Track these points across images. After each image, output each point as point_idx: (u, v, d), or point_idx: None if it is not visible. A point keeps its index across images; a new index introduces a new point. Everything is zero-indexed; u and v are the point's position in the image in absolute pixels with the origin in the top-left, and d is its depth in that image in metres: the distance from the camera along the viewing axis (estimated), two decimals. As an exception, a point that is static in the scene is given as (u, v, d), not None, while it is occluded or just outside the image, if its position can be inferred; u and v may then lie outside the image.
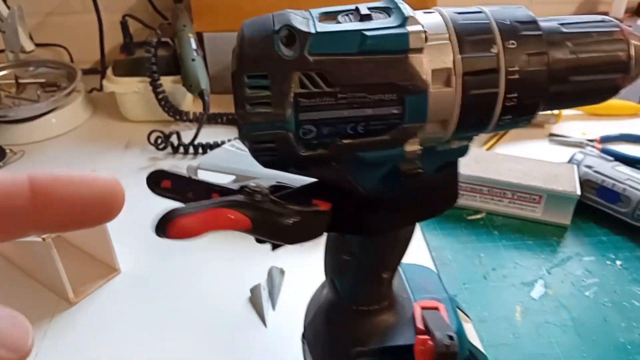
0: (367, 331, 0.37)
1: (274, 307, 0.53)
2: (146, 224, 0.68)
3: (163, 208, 0.26)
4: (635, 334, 0.51)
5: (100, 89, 0.84)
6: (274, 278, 0.55)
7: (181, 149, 0.75)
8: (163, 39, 0.80)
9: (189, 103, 0.84)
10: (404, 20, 0.26)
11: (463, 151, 0.31)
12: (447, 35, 0.26)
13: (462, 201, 0.65)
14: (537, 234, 0.62)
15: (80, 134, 0.82)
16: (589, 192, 0.64)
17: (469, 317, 0.45)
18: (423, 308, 0.38)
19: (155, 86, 0.77)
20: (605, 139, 0.80)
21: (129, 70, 0.80)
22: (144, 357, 0.48)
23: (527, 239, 0.62)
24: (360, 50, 0.25)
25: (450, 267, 0.57)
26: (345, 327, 0.38)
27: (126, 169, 0.72)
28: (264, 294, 0.54)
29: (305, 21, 0.26)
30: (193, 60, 0.78)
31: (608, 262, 0.59)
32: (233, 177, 0.60)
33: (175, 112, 0.79)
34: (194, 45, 0.80)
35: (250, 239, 0.56)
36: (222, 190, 0.31)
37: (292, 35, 0.25)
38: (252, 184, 0.30)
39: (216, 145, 0.73)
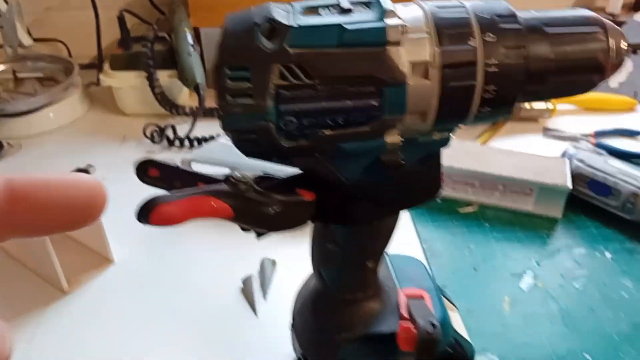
0: (352, 318, 0.38)
1: (265, 297, 0.54)
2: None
3: (146, 195, 0.27)
4: (623, 324, 0.52)
5: (98, 83, 0.85)
6: (266, 269, 0.56)
7: (177, 143, 0.75)
8: (160, 34, 0.81)
9: (185, 97, 0.85)
10: (383, 14, 0.26)
11: (444, 142, 0.32)
12: (426, 29, 0.27)
13: (454, 194, 0.66)
14: (528, 226, 0.63)
15: (77, 128, 0.83)
16: (581, 186, 0.65)
17: (455, 306, 0.46)
18: (408, 296, 0.38)
19: (151, 80, 0.78)
20: (600, 134, 0.81)
21: (125, 65, 0.81)
22: (137, 346, 0.49)
23: (518, 231, 0.62)
24: (339, 43, 0.26)
25: (440, 258, 0.58)
26: (331, 314, 0.38)
27: (122, 162, 0.72)
28: (256, 285, 0.54)
29: (286, 14, 0.27)
30: (189, 54, 0.79)
31: (598, 254, 0.59)
32: (227, 170, 0.61)
33: (171, 106, 0.80)
34: (190, 40, 0.80)
35: (241, 231, 0.57)
36: (208, 180, 0.31)
37: (273, 28, 0.26)
38: (237, 174, 0.31)
39: (211, 138, 0.74)
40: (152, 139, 0.76)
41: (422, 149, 0.31)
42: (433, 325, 0.35)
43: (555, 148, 0.75)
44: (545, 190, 0.62)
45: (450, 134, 0.32)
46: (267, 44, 0.26)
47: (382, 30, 0.26)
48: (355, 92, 0.27)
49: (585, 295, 0.55)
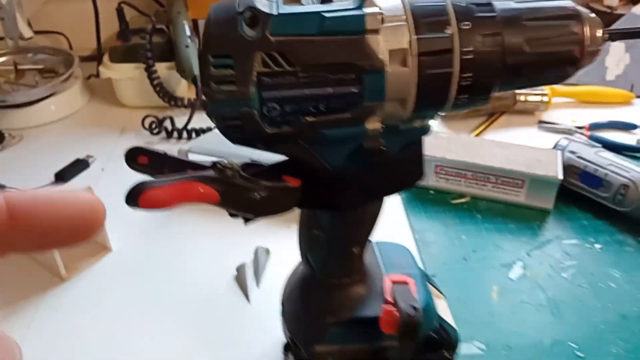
0: (338, 303, 0.39)
1: (258, 285, 0.55)
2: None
3: (135, 180, 0.28)
4: (610, 314, 0.52)
5: (97, 75, 0.86)
6: (260, 257, 0.57)
7: (175, 134, 0.76)
8: (158, 26, 0.82)
9: (183, 89, 0.86)
10: (362, 3, 0.27)
11: (425, 130, 0.33)
12: (403, 17, 0.27)
13: (446, 185, 0.67)
14: (520, 218, 0.64)
15: (77, 119, 0.84)
16: (573, 178, 0.66)
17: (442, 293, 0.47)
18: (393, 282, 0.39)
19: (150, 72, 0.79)
20: (594, 126, 0.81)
21: (124, 57, 0.82)
22: (133, 332, 0.50)
23: (510, 223, 0.63)
24: (319, 31, 0.27)
25: (431, 248, 0.59)
26: (318, 299, 0.39)
27: (121, 153, 0.72)
28: (249, 273, 0.55)
29: (268, 3, 0.28)
30: (187, 46, 0.80)
31: (587, 246, 0.60)
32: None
33: (169, 98, 0.80)
34: (188, 32, 0.81)
35: (238, 220, 0.58)
36: (196, 166, 0.32)
37: (255, 16, 0.27)
38: (224, 160, 0.32)
39: (208, 130, 0.75)
40: (150, 130, 0.77)
41: (403, 137, 0.32)
42: (415, 308, 0.36)
43: (549, 140, 0.76)
44: (536, 182, 0.63)
45: (431, 122, 0.32)
46: (249, 32, 0.27)
47: (361, 19, 0.27)
48: (336, 79, 0.27)
49: (574, 285, 0.55)
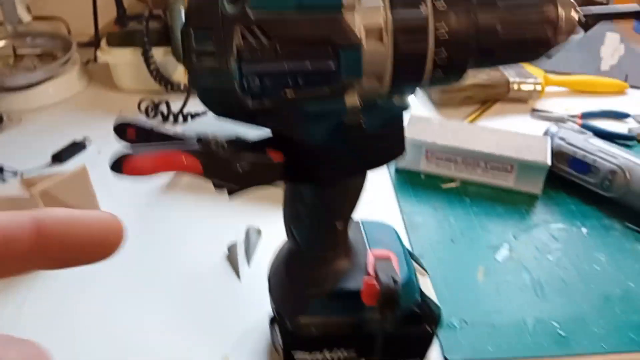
0: (321, 276, 0.40)
1: (249, 263, 0.56)
2: (132, 184, 0.71)
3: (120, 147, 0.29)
4: (593, 295, 0.53)
5: (95, 60, 0.87)
6: (251, 237, 0.58)
7: (171, 118, 0.77)
8: (155, 12, 0.82)
9: (179, 74, 0.86)
10: (339, -21, 0.28)
11: (405, 106, 0.34)
12: (380, -6, 0.28)
13: (437, 170, 0.68)
14: (508, 202, 0.65)
15: (75, 103, 0.85)
16: (562, 164, 0.66)
17: (426, 271, 0.48)
18: (376, 257, 0.40)
19: (146, 57, 0.80)
20: (587, 115, 0.82)
21: (121, 42, 0.83)
22: (125, 309, 0.52)
23: (498, 207, 0.64)
24: (297, 6, 0.28)
25: (419, 229, 0.60)
26: (302, 272, 0.41)
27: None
28: (240, 252, 0.57)
29: (249, -21, 0.28)
30: (184, 32, 0.80)
31: (574, 230, 0.61)
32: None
33: (166, 82, 0.81)
34: (184, 17, 0.82)
35: (232, 202, 0.59)
36: (181, 140, 0.33)
37: (235, -9, 0.28)
38: (209, 134, 0.33)
39: (203, 114, 0.76)
40: (146, 113, 0.78)
41: (383, 113, 0.33)
42: (395, 281, 0.37)
43: (541, 128, 0.76)
44: (525, 167, 0.64)
45: (410, 98, 0.33)
46: (229, 7, 0.28)
47: (338, -5, 0.28)
48: (314, 54, 0.28)
49: (559, 267, 0.56)
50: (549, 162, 0.63)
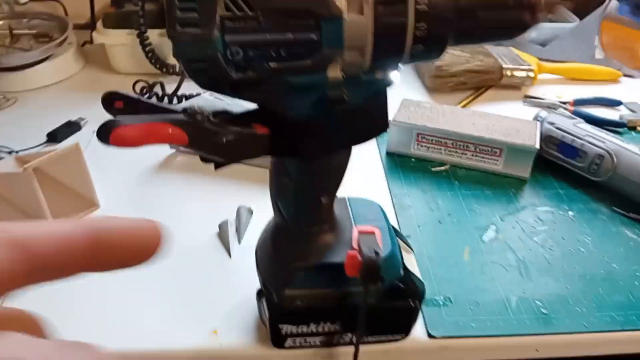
0: (307, 249, 0.41)
1: (239, 241, 0.57)
2: (126, 164, 0.72)
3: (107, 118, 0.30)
4: (576, 275, 0.54)
5: (92, 41, 0.87)
6: (242, 215, 0.59)
7: (165, 99, 0.78)
8: (151, -7, 0.83)
9: (175, 57, 0.87)
10: (321, -49, 0.28)
11: (388, 82, 0.34)
12: (361, -33, 0.29)
13: (427, 153, 0.68)
14: (497, 185, 0.66)
15: (71, 84, 0.86)
16: (551, 148, 0.67)
17: (411, 248, 0.49)
18: (360, 232, 0.41)
19: (142, 39, 0.80)
20: (579, 102, 0.82)
21: (117, 23, 0.83)
22: (118, 284, 0.52)
23: (486, 190, 0.65)
24: (279, -22, 0.28)
25: (407, 211, 0.61)
26: (287, 246, 0.41)
27: (111, 117, 0.75)
28: (231, 230, 0.58)
29: (232, -50, 0.29)
30: (179, 14, 0.81)
31: (561, 213, 0.62)
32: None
33: (161, 65, 0.82)
34: (180, 0, 0.82)
35: (225, 181, 0.60)
36: (168, 111, 0.34)
37: (219, -38, 0.28)
38: (195, 106, 0.33)
39: (198, 95, 0.76)
40: (141, 95, 0.79)
41: (366, 88, 0.34)
42: (376, 253, 0.38)
43: (532, 115, 0.77)
44: (513, 151, 0.65)
45: (392, 73, 0.34)
46: (213, -23, 0.28)
47: (319, -33, 0.28)
48: (296, 25, 0.29)
49: (544, 248, 0.57)
50: (538, 146, 0.64)
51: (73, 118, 0.75)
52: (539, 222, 0.61)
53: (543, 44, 0.97)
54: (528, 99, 0.83)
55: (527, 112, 0.79)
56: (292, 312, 0.42)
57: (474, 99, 0.83)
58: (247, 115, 0.35)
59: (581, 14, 0.99)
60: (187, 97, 0.77)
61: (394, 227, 0.47)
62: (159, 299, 0.51)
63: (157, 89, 0.78)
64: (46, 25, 0.90)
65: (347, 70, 0.31)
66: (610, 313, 0.51)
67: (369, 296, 0.40)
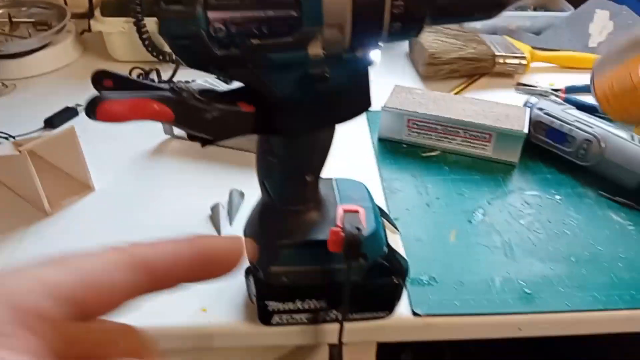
0: (292, 227, 0.42)
1: (231, 224, 0.58)
2: (121, 148, 0.73)
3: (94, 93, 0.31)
4: (561, 257, 0.55)
5: (89, 29, 0.88)
6: (234, 198, 0.60)
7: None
8: (148, -18, 0.84)
9: (172, 45, 0.88)
10: None
11: (369, 61, 0.35)
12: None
13: (417, 139, 0.69)
14: (486, 170, 0.66)
15: (69, 72, 0.87)
16: (540, 134, 0.68)
17: (397, 229, 0.50)
18: (344, 210, 0.42)
19: (139, 27, 0.81)
20: (571, 90, 0.83)
21: (115, 11, 0.84)
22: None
23: (475, 175, 0.66)
24: (260, -45, 0.29)
25: (397, 194, 0.62)
26: (274, 224, 0.43)
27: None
28: (223, 212, 0.59)
29: None
30: (175, 2, 0.82)
31: (548, 197, 0.63)
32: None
33: (158, 53, 0.83)
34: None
35: (217, 165, 0.61)
36: (155, 88, 0.35)
37: (201, -60, 0.29)
38: (181, 83, 0.34)
39: (193, 82, 0.77)
40: (137, 82, 0.80)
41: (348, 66, 0.35)
42: (358, 229, 0.39)
43: (523, 102, 0.78)
44: (503, 136, 0.66)
45: (373, 53, 0.35)
46: (196, -45, 0.29)
47: (298, -55, 0.29)
48: (276, 2, 0.30)
49: (530, 230, 0.58)
50: (526, 131, 0.65)
51: (70, 104, 0.76)
52: (526, 206, 0.62)
53: (537, 32, 0.98)
54: (520, 86, 0.84)
55: (519, 100, 0.80)
56: (278, 289, 0.44)
57: (467, 86, 0.83)
58: (232, 93, 0.36)
59: (576, 2, 0.99)
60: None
61: (380, 208, 0.48)
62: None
63: (153, 76, 0.79)
64: (45, 14, 0.91)
65: (328, 48, 0.32)
66: (593, 293, 0.52)
67: (353, 273, 0.42)
